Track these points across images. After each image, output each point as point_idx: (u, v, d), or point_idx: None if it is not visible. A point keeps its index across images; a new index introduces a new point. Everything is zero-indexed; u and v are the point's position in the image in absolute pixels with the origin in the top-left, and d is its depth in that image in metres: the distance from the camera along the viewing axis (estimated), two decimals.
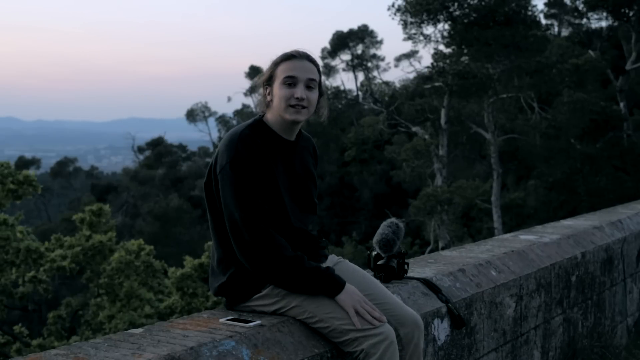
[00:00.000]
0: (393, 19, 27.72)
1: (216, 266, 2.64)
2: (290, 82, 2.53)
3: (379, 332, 2.39)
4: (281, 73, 2.54)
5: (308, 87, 2.55)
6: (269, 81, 2.59)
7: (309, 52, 2.62)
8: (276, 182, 2.53)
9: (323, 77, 2.70)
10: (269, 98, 2.59)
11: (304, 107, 2.53)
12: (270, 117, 2.60)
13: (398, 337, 2.53)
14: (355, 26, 44.56)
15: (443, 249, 23.67)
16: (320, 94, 2.63)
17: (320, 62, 2.73)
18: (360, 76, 43.73)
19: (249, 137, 2.51)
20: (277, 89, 2.54)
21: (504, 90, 27.07)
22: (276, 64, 2.58)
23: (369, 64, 42.93)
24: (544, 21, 32.05)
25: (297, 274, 2.44)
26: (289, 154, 2.61)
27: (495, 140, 26.63)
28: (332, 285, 2.45)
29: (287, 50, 2.60)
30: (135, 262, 18.25)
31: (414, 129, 29.92)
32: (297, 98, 2.51)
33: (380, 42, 43.51)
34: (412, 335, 2.57)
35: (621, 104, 27.22)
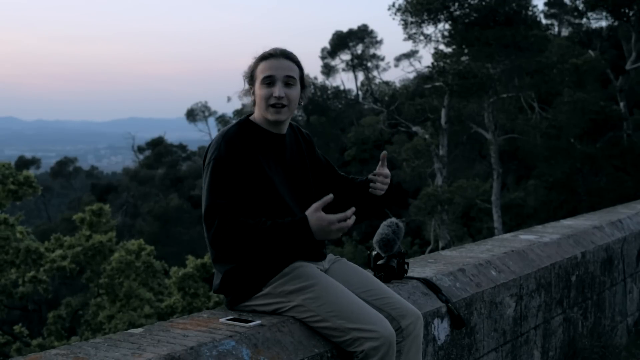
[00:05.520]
0: (393, 18, 27.74)
1: (213, 265, 2.69)
2: (269, 81, 2.57)
3: (381, 335, 2.40)
4: (260, 73, 2.59)
5: (287, 85, 2.58)
6: (251, 80, 2.64)
7: (286, 50, 2.65)
8: (266, 176, 2.55)
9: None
10: (252, 97, 2.64)
11: (283, 106, 2.57)
12: (257, 114, 2.66)
13: (399, 329, 2.56)
14: (355, 26, 44.52)
15: (443, 248, 23.68)
16: (303, 87, 2.67)
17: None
18: (360, 76, 43.73)
19: (235, 135, 2.56)
20: (257, 89, 2.60)
21: (504, 90, 27.07)
22: (255, 63, 2.62)
23: (369, 64, 42.92)
24: (544, 21, 32.06)
25: (260, 235, 2.42)
26: (279, 147, 2.66)
27: (495, 140, 26.62)
28: (296, 226, 2.42)
29: (272, 49, 2.63)
30: (136, 263, 18.25)
31: (414, 128, 29.93)
32: (276, 97, 2.55)
33: (380, 42, 43.52)
34: (413, 326, 2.60)
35: (621, 104, 27.19)
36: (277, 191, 2.57)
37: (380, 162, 2.80)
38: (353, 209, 2.44)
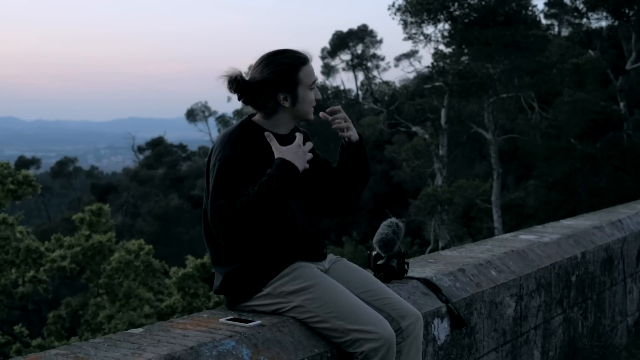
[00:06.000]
0: (393, 18, 27.73)
1: (214, 267, 2.68)
2: (314, 86, 2.61)
3: (381, 336, 2.41)
4: (305, 77, 2.58)
5: None
6: (290, 86, 2.56)
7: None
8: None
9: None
10: (286, 104, 2.58)
11: None
12: (266, 119, 2.62)
13: (399, 330, 2.56)
14: (355, 26, 44.46)
15: (443, 248, 23.67)
16: None
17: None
18: (360, 76, 43.67)
19: (239, 137, 2.55)
20: (305, 93, 2.58)
21: (504, 90, 27.06)
22: (294, 67, 2.56)
23: (369, 64, 42.88)
24: (544, 21, 32.05)
25: (257, 200, 2.40)
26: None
27: (495, 140, 26.62)
28: (278, 168, 2.43)
29: (300, 51, 2.61)
30: (135, 262, 18.25)
31: (414, 128, 29.91)
32: (318, 99, 2.64)
33: (380, 41, 43.47)
34: (413, 327, 2.60)
35: (621, 104, 27.19)
36: None
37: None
38: (300, 134, 2.53)
